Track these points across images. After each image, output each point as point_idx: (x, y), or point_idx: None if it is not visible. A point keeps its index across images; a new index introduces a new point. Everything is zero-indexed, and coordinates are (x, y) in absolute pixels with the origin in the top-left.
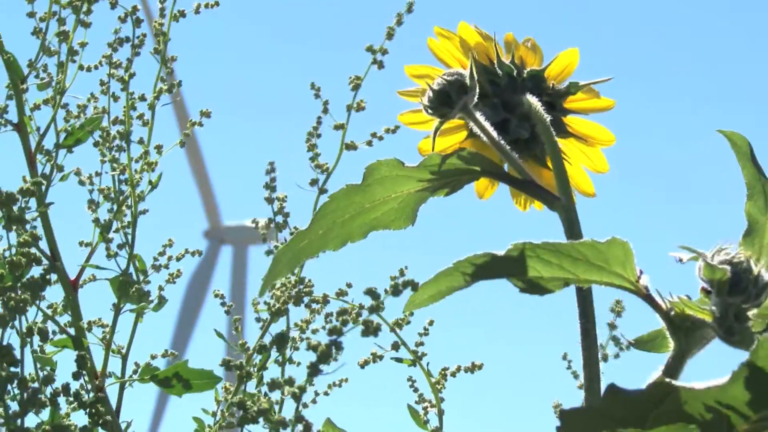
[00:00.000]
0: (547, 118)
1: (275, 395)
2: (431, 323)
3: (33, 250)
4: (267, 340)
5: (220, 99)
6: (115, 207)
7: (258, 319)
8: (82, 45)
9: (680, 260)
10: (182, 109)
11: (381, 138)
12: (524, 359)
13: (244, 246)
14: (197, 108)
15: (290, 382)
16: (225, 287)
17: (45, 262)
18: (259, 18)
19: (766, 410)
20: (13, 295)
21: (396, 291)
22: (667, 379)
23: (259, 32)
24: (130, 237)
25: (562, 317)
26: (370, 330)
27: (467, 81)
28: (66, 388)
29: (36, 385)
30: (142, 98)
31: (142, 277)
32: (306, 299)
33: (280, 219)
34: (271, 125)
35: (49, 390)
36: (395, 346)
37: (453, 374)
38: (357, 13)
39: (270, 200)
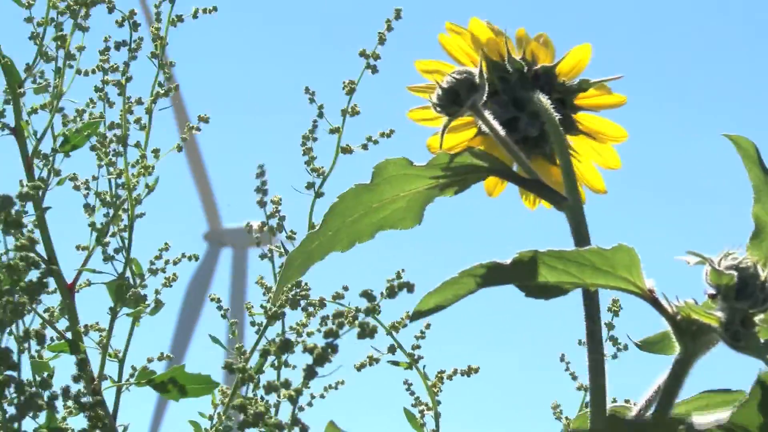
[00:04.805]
0: (557, 116)
1: (272, 398)
2: (428, 326)
3: (30, 254)
4: (265, 343)
5: (220, 100)
6: (111, 211)
7: (253, 323)
8: (80, 49)
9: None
10: (182, 112)
11: (376, 142)
12: (521, 362)
13: (243, 249)
14: (197, 110)
15: (287, 384)
16: (225, 290)
17: (42, 266)
18: (258, 18)
19: None
20: (11, 299)
21: (392, 293)
22: (671, 417)
23: (259, 32)
24: (126, 241)
25: (561, 319)
26: (367, 332)
27: (477, 79)
28: (66, 391)
29: (34, 389)
30: (139, 102)
31: (138, 281)
32: (303, 302)
33: (274, 222)
34: (269, 126)
35: (47, 394)
36: (392, 349)
37: (450, 377)
38: (360, 13)
39: (262, 203)
